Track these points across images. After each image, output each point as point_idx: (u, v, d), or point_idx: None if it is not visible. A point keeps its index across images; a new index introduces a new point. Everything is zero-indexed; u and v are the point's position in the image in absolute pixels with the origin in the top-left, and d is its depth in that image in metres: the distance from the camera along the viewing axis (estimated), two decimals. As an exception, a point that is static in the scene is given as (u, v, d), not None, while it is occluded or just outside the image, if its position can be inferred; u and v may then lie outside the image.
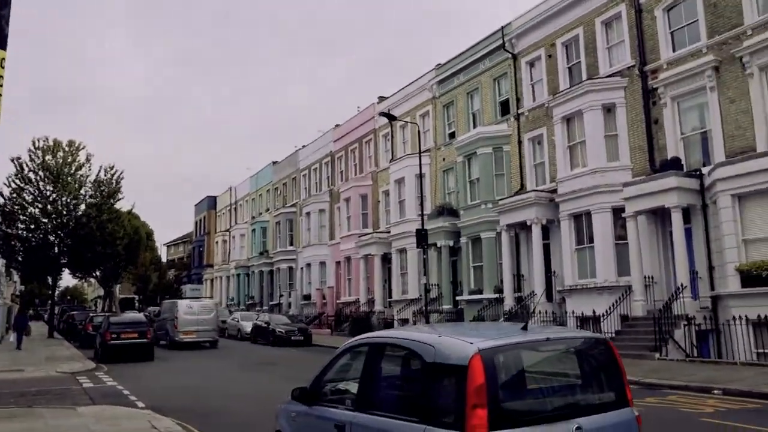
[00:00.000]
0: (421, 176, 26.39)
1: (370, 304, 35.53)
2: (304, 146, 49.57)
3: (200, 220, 72.58)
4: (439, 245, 29.41)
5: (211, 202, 69.34)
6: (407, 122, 31.49)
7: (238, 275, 57.07)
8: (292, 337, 30.10)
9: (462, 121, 30.96)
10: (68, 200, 39.71)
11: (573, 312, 22.25)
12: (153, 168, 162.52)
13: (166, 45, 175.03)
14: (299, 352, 26.87)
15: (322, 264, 43.39)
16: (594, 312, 21.33)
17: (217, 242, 65.30)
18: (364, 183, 38.82)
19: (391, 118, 26.63)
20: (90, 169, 41.21)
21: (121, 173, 41.27)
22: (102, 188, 40.78)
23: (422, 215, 26.01)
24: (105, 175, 41.27)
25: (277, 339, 30.27)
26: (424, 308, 27.71)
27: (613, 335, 19.97)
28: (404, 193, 33.37)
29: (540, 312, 23.32)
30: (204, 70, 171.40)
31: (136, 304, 73.49)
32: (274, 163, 54.88)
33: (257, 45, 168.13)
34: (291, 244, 48.51)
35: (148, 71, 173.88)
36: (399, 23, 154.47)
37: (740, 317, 17.26)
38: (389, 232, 34.55)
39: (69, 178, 39.72)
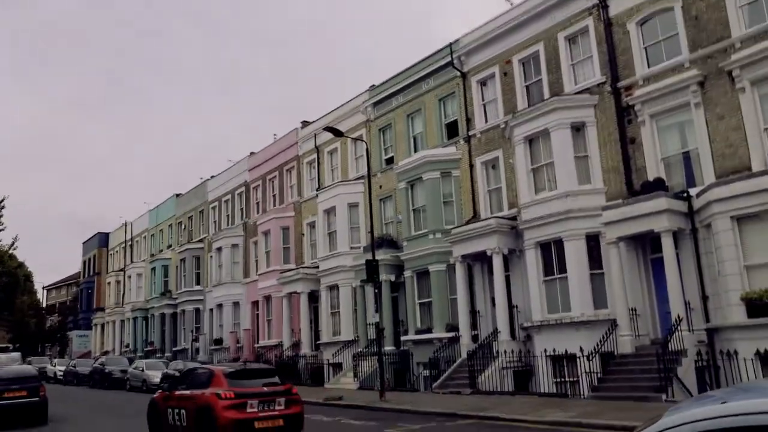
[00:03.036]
0: (370, 199, 23.51)
1: (296, 348, 32.13)
2: (212, 176, 45.78)
3: (89, 260, 66.33)
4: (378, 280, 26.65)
5: (103, 239, 63.44)
6: (355, 139, 28.74)
7: (135, 319, 51.82)
8: (212, 387, 26.18)
9: (401, 145, 28.64)
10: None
11: (544, 351, 19.96)
12: (35, 208, 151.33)
13: (57, 84, 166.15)
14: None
15: (236, 304, 39.51)
16: (567, 351, 19.18)
17: (109, 283, 59.51)
18: (286, 214, 35.66)
19: (337, 133, 23.81)
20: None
21: (2, 201, 36.10)
22: (-24, 218, 35.50)
23: (372, 244, 23.11)
24: (-20, 204, 36.01)
25: (193, 389, 26.27)
26: (370, 350, 24.92)
27: (600, 375, 17.84)
28: (335, 224, 30.54)
29: (505, 352, 20.98)
30: (97, 110, 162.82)
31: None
32: (178, 195, 50.57)
33: (154, 85, 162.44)
34: (198, 283, 44.26)
35: (38, 110, 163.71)
36: (305, 69, 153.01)
37: (747, 351, 15.55)
38: (317, 267, 31.50)
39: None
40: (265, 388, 12.52)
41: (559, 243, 20.44)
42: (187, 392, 13.29)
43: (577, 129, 21.05)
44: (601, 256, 19.93)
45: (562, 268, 20.32)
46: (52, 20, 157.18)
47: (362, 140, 27.95)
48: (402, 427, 14.78)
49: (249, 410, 12.00)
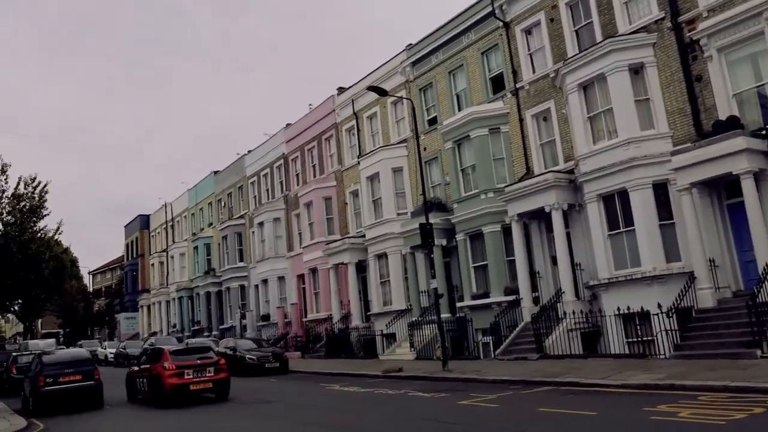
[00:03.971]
0: (419, 160, 22.48)
1: (346, 320, 31.39)
2: (249, 151, 45.00)
3: (132, 242, 66.58)
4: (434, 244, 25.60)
5: (144, 221, 63.51)
6: (399, 97, 27.57)
7: (180, 299, 51.73)
8: (266, 365, 25.57)
9: (445, 104, 27.37)
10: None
11: (617, 310, 18.73)
12: (73, 195, 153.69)
13: (84, 73, 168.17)
14: (282, 383, 22.49)
15: (281, 279, 38.91)
16: (642, 308, 17.96)
17: (152, 264, 59.60)
18: (328, 184, 34.73)
19: (381, 92, 22.70)
20: (7, 182, 35.57)
21: (45, 186, 35.82)
22: (22, 203, 35.14)
23: (425, 206, 22.04)
24: (25, 189, 35.68)
25: (247, 368, 25.63)
26: (425, 318, 24.01)
27: (680, 333, 16.64)
28: (379, 190, 29.50)
29: (573, 312, 19.85)
30: (124, 96, 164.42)
31: (61, 340, 66.69)
32: (215, 172, 49.98)
33: (177, 68, 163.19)
34: (241, 260, 43.77)
35: (65, 99, 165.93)
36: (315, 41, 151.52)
37: None
38: (363, 236, 30.59)
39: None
40: (198, 361, 17.72)
41: (623, 194, 19.14)
42: (147, 366, 18.64)
43: (636, 71, 19.59)
44: (671, 205, 18.63)
45: (628, 221, 19.07)
46: (78, 9, 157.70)
47: (407, 98, 26.72)
48: (476, 397, 13.83)
49: (186, 377, 17.25)
